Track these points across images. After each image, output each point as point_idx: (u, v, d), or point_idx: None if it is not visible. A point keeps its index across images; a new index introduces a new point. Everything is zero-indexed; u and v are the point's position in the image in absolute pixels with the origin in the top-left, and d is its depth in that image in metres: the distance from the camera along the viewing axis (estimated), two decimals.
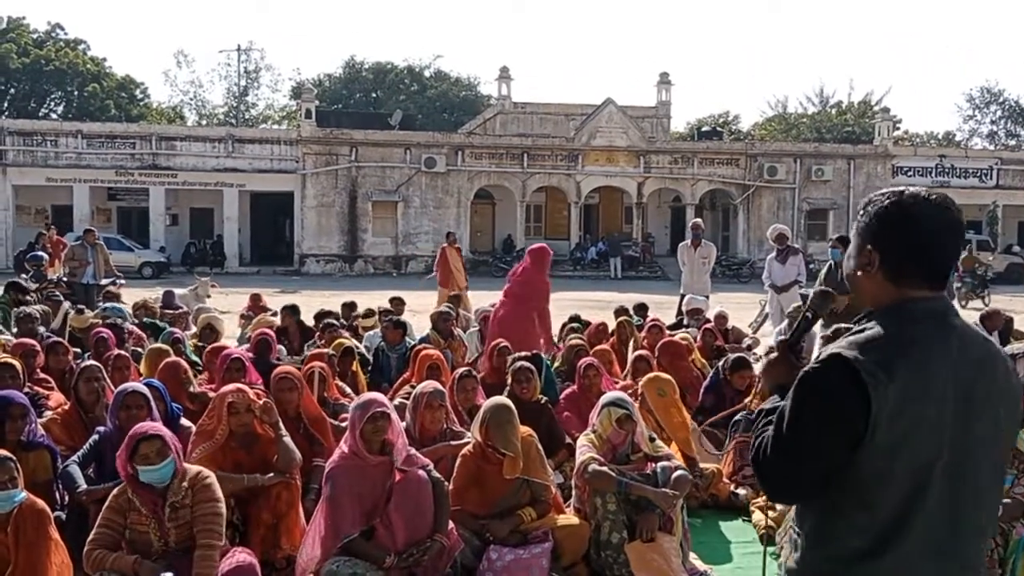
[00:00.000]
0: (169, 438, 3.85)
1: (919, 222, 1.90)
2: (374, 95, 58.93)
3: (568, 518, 4.66)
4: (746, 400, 6.42)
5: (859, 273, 1.97)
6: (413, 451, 4.61)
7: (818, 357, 1.88)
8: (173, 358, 6.32)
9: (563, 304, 15.23)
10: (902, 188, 1.97)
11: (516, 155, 35.85)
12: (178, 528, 3.82)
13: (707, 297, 12.83)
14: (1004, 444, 1.97)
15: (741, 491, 5.73)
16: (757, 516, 5.29)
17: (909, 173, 37.87)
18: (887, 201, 1.94)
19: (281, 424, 4.83)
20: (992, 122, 60.81)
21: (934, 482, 1.82)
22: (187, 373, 6.28)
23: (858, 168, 37.21)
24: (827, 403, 1.82)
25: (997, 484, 1.97)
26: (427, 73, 61.04)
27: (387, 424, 4.48)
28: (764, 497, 5.44)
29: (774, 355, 2.14)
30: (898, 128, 49.35)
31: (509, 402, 4.89)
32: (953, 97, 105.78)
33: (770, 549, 4.40)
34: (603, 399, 5.06)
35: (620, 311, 11.04)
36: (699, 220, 15.17)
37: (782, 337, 2.20)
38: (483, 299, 14.73)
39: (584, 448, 4.81)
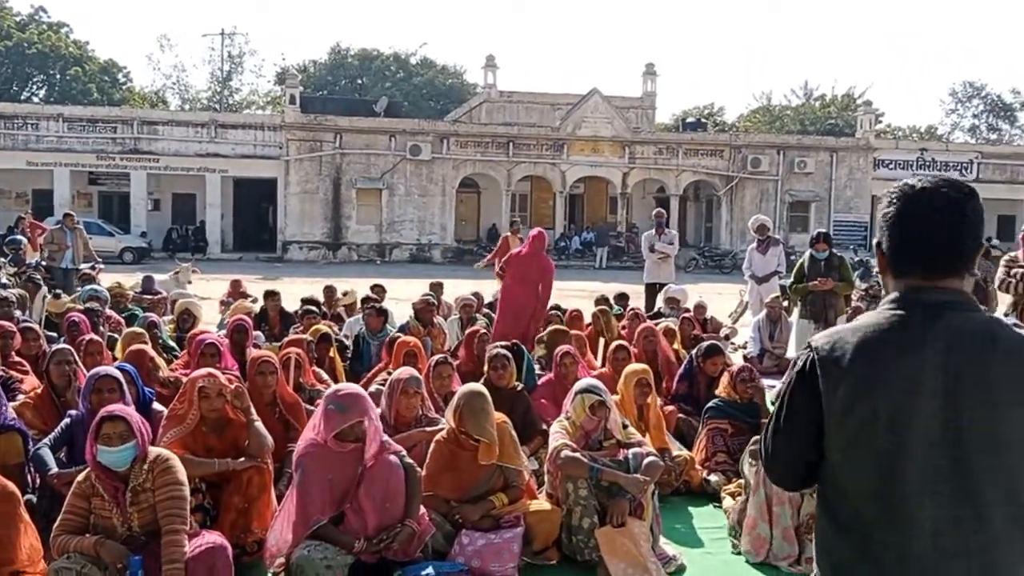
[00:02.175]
0: (135, 422, 3.83)
1: (901, 212, 1.89)
2: (359, 82, 58.70)
3: (540, 503, 4.68)
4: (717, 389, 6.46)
5: (878, 272, 1.99)
6: (385, 437, 4.61)
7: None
8: (138, 346, 6.29)
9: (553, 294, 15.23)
10: (906, 183, 1.94)
11: (502, 144, 35.81)
12: (140, 512, 3.80)
13: (676, 284, 12.85)
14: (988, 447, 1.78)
15: (713, 477, 5.77)
16: (728, 502, 5.33)
17: (890, 166, 38.06)
18: (890, 200, 1.93)
19: (253, 409, 4.82)
20: (974, 116, 61.23)
21: (908, 488, 1.75)
22: (153, 361, 6.25)
23: (840, 161, 37.37)
24: (793, 392, 1.86)
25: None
26: (413, 60, 60.85)
27: (361, 428, 4.42)
28: (735, 484, 5.51)
29: None
30: (880, 121, 49.54)
31: (483, 389, 4.91)
32: (936, 91, 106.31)
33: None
34: (576, 386, 5.08)
35: (600, 301, 11.08)
36: (661, 209, 15.19)
37: None
38: (466, 287, 14.73)
39: (557, 434, 4.83)
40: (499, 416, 4.86)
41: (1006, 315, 8.81)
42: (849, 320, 10.34)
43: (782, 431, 1.88)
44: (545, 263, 9.73)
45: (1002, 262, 8.67)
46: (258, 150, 34.49)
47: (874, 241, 1.97)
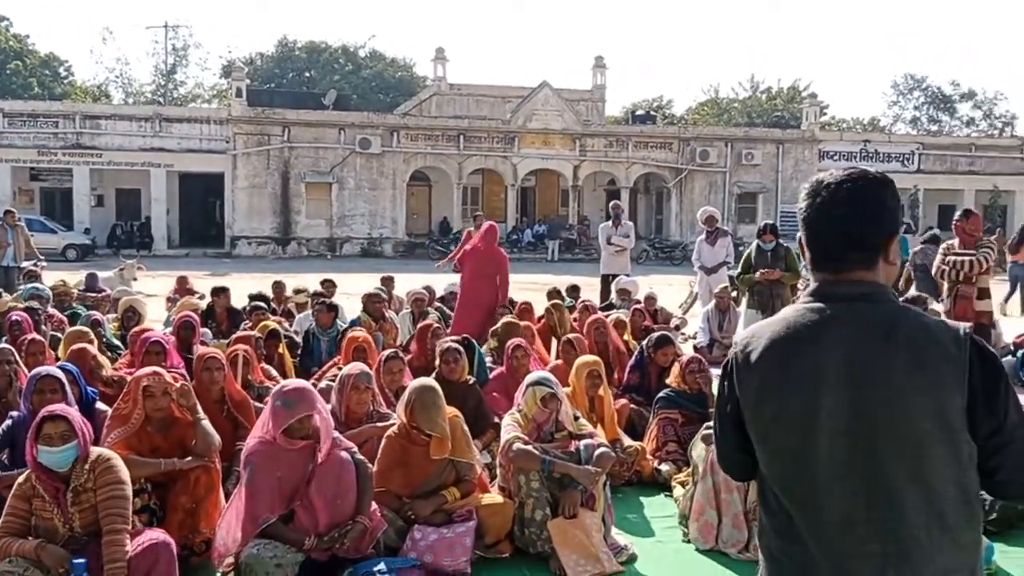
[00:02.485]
0: (76, 421, 3.76)
1: (809, 209, 1.90)
2: (307, 74, 58.08)
3: (492, 496, 4.68)
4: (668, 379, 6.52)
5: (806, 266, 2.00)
6: (336, 433, 4.58)
7: None
8: (80, 345, 6.15)
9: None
10: (828, 175, 1.93)
11: (452, 137, 35.71)
12: (82, 513, 3.73)
13: (629, 275, 12.95)
14: (936, 440, 1.77)
15: (664, 467, 5.81)
16: (678, 491, 5.38)
17: (835, 157, 38.67)
18: (808, 191, 1.93)
19: (199, 408, 4.75)
20: (915, 108, 62.47)
21: (817, 477, 1.78)
22: (96, 359, 6.13)
23: (786, 152, 37.90)
24: (721, 389, 1.95)
25: (936, 479, 1.77)
26: (362, 53, 60.36)
27: (310, 423, 4.38)
28: (686, 473, 5.56)
29: None
30: (825, 114, 50.33)
31: (434, 383, 4.89)
32: (878, 84, 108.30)
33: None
34: (528, 379, 5.09)
35: (552, 293, 11.12)
36: (618, 201, 15.29)
37: None
38: (418, 281, 14.67)
39: (509, 427, 4.84)
40: (451, 410, 4.84)
41: (940, 300, 9.05)
42: None
43: (718, 426, 1.97)
44: (499, 255, 10.04)
45: (940, 250, 8.90)
46: (204, 144, 33.96)
47: (799, 238, 1.97)
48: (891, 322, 1.79)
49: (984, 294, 8.46)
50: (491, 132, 36.16)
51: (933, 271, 8.96)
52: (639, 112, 49.10)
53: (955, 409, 1.75)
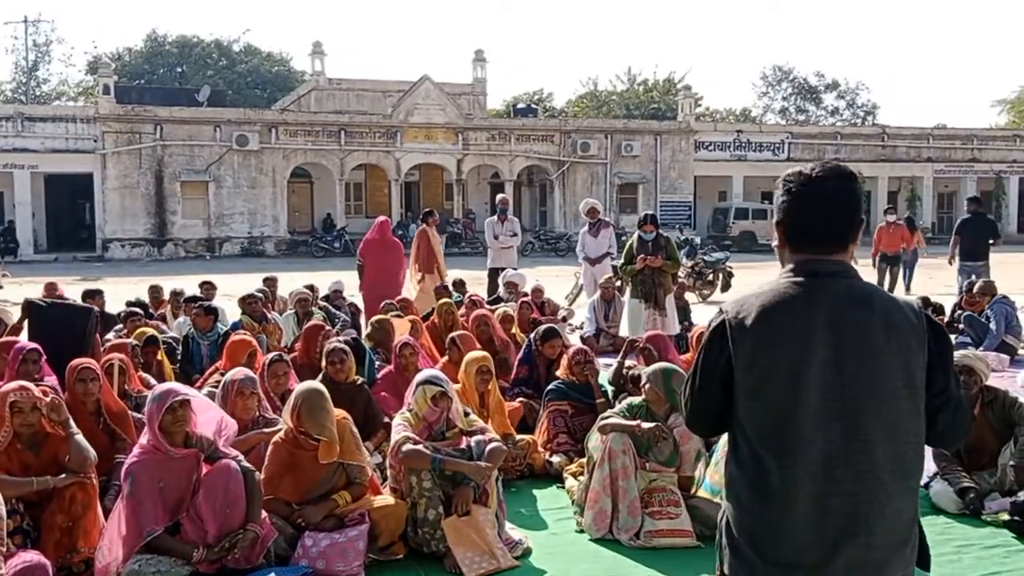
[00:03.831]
0: None
1: (801, 196, 2.13)
2: (179, 70, 56.14)
3: (384, 498, 4.63)
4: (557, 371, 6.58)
5: (776, 246, 2.21)
6: (221, 441, 4.45)
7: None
8: None
9: None
10: (798, 168, 2.19)
11: (333, 132, 35.15)
12: None
13: (516, 269, 13.03)
14: (901, 395, 2.05)
15: (555, 459, 5.86)
16: (570, 482, 5.45)
17: (710, 148, 39.87)
18: (784, 183, 2.18)
19: (72, 422, 4.53)
20: (784, 98, 64.89)
21: (801, 427, 2.00)
22: None
23: (664, 143, 38.82)
24: (706, 351, 2.11)
25: (900, 439, 2.05)
26: (236, 47, 58.73)
27: (187, 414, 4.31)
28: (577, 464, 5.63)
29: None
30: (699, 105, 51.73)
31: (321, 386, 4.80)
32: (749, 75, 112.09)
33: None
34: (418, 377, 5.05)
35: (440, 291, 11.08)
36: (505, 196, 15.37)
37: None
38: (302, 280, 14.38)
39: (399, 427, 4.79)
40: (339, 413, 4.77)
41: None
42: (677, 296, 10.83)
43: (698, 385, 2.12)
44: (396, 244, 11.04)
45: None
46: (71, 144, 32.43)
47: (773, 220, 2.20)
48: (867, 293, 2.10)
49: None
50: (373, 127, 35.77)
51: None
52: (520, 105, 49.45)
53: (919, 368, 2.07)
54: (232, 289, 14.76)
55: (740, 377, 2.03)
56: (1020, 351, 10.32)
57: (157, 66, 56.30)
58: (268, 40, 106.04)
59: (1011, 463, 5.19)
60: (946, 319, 11.19)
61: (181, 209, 33.55)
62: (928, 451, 5.40)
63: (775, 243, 2.21)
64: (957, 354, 5.79)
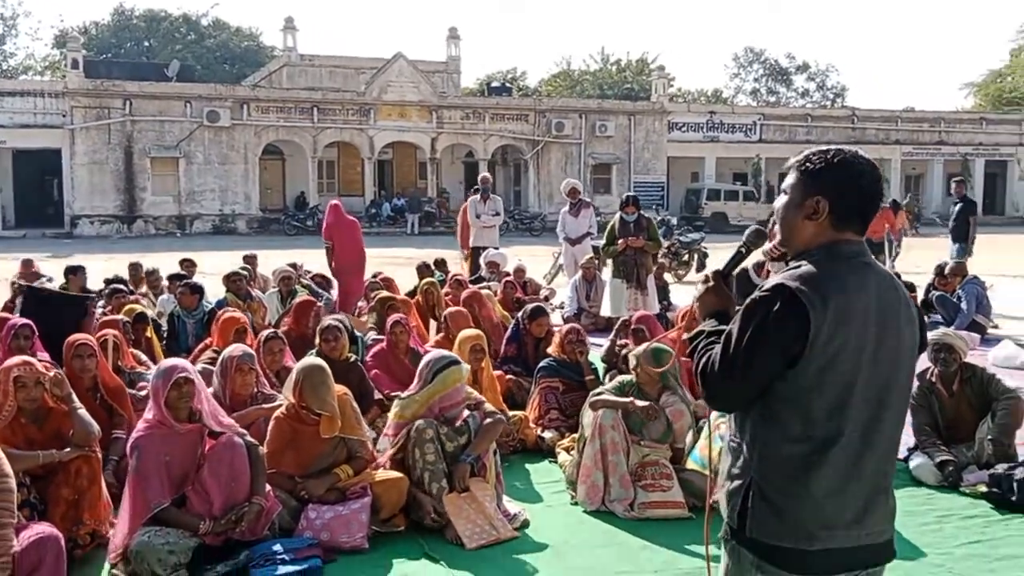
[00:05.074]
0: None
1: (863, 176, 2.21)
2: (147, 44, 55.35)
3: (386, 472, 4.71)
4: (549, 348, 6.69)
5: (804, 220, 2.22)
6: (225, 416, 4.51)
7: (763, 287, 2.15)
8: None
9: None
10: (839, 148, 2.26)
11: (306, 109, 34.90)
12: None
13: (498, 248, 13.10)
14: (911, 367, 2.28)
15: (547, 434, 5.98)
16: (563, 457, 5.56)
17: (683, 128, 40.05)
18: (835, 158, 2.21)
19: (74, 396, 4.57)
20: (755, 80, 65.27)
21: (855, 399, 2.13)
22: None
23: (637, 124, 38.94)
24: (773, 324, 2.09)
25: (905, 405, 2.29)
26: (204, 22, 57.96)
27: (192, 390, 4.37)
28: (569, 439, 5.75)
29: (710, 284, 2.40)
30: (672, 86, 51.90)
31: (322, 362, 4.86)
32: (721, 56, 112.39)
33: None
34: (434, 363, 4.88)
35: (422, 269, 11.14)
36: (487, 175, 15.39)
37: (716, 268, 2.44)
38: (278, 258, 14.38)
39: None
40: (340, 388, 4.84)
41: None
42: (657, 276, 10.98)
43: (754, 357, 2.11)
44: (354, 223, 11.40)
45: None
46: (39, 119, 31.97)
47: (802, 193, 2.22)
48: (890, 275, 2.25)
49: None
50: (346, 104, 35.54)
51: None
52: (494, 84, 49.30)
53: (916, 348, 2.26)
54: (208, 267, 14.74)
55: (817, 351, 2.08)
56: (990, 330, 10.58)
57: (124, 40, 55.46)
58: (237, 15, 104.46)
59: (988, 437, 5.38)
60: (919, 298, 11.45)
61: (151, 186, 33.22)
62: (908, 427, 5.62)
63: (802, 216, 2.21)
64: (936, 333, 5.98)
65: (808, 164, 2.24)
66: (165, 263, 13.17)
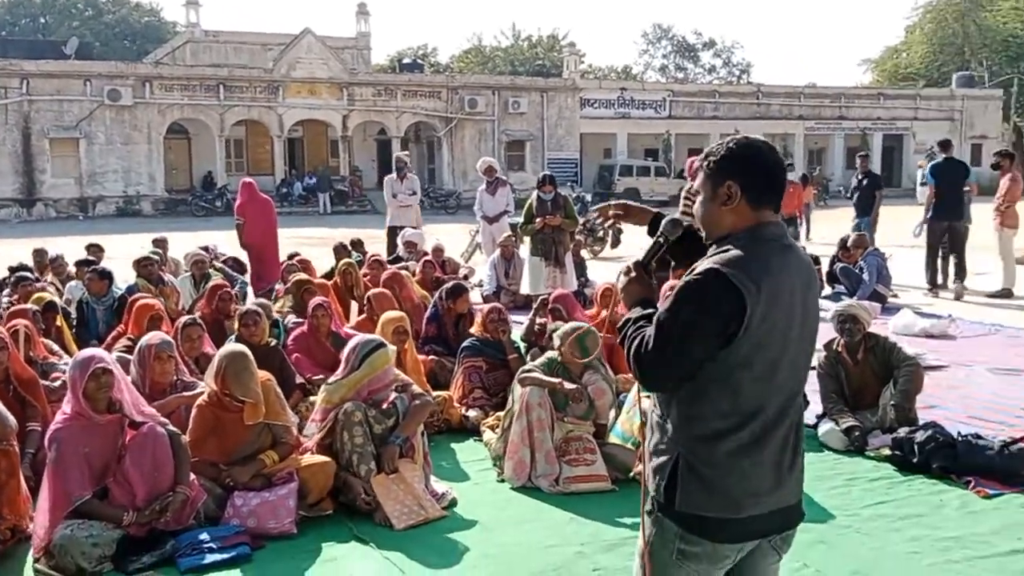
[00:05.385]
0: None
1: (768, 158, 2.31)
2: (43, 21, 53.16)
3: (312, 456, 4.71)
4: (471, 328, 6.75)
5: (721, 208, 2.30)
6: (146, 406, 4.45)
7: (694, 271, 2.22)
8: None
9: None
10: (742, 135, 2.35)
11: (211, 87, 34.02)
12: None
13: (416, 228, 13.07)
14: (813, 340, 2.40)
15: (472, 413, 6.04)
16: (488, 435, 5.64)
17: (595, 105, 40.40)
18: (738, 145, 2.30)
19: None
20: (664, 56, 66.21)
21: (780, 375, 2.25)
22: None
23: (550, 100, 39.11)
24: (709, 307, 2.16)
25: (809, 367, 2.45)
26: None
27: (111, 380, 4.30)
28: (493, 417, 5.84)
29: (632, 275, 2.46)
30: (583, 62, 52.26)
31: (245, 349, 4.82)
32: (630, 33, 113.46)
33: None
34: (360, 347, 4.87)
35: (339, 249, 11.06)
36: (402, 154, 15.31)
37: (637, 259, 2.49)
38: (187, 241, 14.09)
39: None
40: (263, 374, 4.81)
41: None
42: (574, 253, 11.13)
43: (690, 339, 2.18)
44: (267, 201, 11.63)
45: (683, 194, 9.69)
46: None
47: (715, 181, 2.30)
48: (806, 255, 2.36)
49: None
50: (253, 81, 34.78)
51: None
52: (406, 60, 48.82)
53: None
54: (114, 251, 14.32)
55: (751, 332, 2.16)
56: (890, 299, 11.05)
57: (19, 17, 53.07)
58: None
59: (891, 403, 5.66)
60: (824, 270, 11.89)
61: (51, 167, 32.04)
62: (816, 393, 5.86)
63: (719, 204, 2.29)
64: (841, 304, 6.26)
65: (711, 157, 2.33)
66: (70, 248, 12.78)
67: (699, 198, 2.36)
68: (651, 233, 2.62)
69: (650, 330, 2.24)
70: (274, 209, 11.86)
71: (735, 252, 2.22)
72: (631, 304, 2.43)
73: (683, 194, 9.55)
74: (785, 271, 2.24)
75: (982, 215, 12.77)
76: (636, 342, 2.26)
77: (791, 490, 2.34)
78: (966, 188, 12.44)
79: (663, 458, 2.32)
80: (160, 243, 12.01)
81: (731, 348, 2.19)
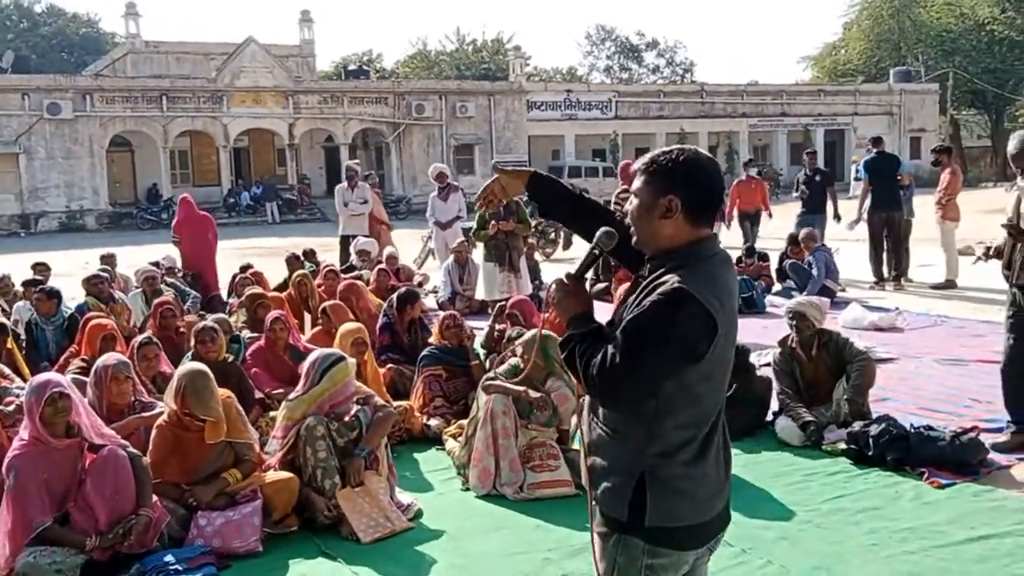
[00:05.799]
0: None
1: (708, 172, 2.26)
2: None
3: (276, 473, 4.69)
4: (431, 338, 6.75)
5: (660, 220, 2.24)
6: (105, 428, 4.39)
7: (662, 291, 2.15)
8: None
9: (227, 253, 14.74)
10: (681, 147, 2.30)
11: (154, 98, 33.52)
12: None
13: (367, 237, 13.00)
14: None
15: (433, 422, 6.04)
16: (450, 444, 5.65)
17: (542, 107, 40.56)
18: (680, 157, 2.24)
19: None
20: (608, 57, 66.67)
21: (725, 382, 2.33)
22: None
23: (497, 104, 39.20)
24: (681, 330, 2.12)
25: None
26: (38, 8, 54.74)
27: (68, 404, 4.24)
28: (455, 426, 5.85)
29: (567, 288, 2.34)
30: (528, 64, 52.42)
31: (204, 367, 4.78)
32: (574, 34, 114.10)
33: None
34: (319, 362, 4.89)
35: (292, 260, 10.98)
36: (352, 162, 15.23)
37: (569, 271, 2.40)
38: (135, 255, 13.84)
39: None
40: (223, 392, 4.78)
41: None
42: (528, 257, 11.17)
43: (660, 358, 2.13)
44: (206, 218, 11.87)
45: (614, 196, 9.80)
46: None
47: (653, 193, 2.25)
48: (732, 262, 2.42)
49: None
50: (197, 92, 34.33)
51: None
52: (351, 67, 48.57)
53: None
54: (59, 268, 14.05)
55: (717, 348, 2.17)
56: (839, 294, 11.28)
57: None
58: (73, 0, 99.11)
59: (844, 397, 5.79)
60: (774, 267, 12.10)
61: None
62: (774, 390, 5.97)
63: (657, 215, 2.24)
64: (793, 302, 6.39)
65: (655, 165, 2.26)
66: (13, 266, 12.50)
67: (635, 201, 2.30)
68: (532, 196, 2.64)
69: (611, 348, 2.16)
70: (213, 225, 11.95)
71: (696, 271, 2.19)
72: (569, 318, 2.32)
73: (615, 195, 9.64)
74: (728, 284, 2.28)
75: (925, 209, 13.09)
76: (597, 360, 2.18)
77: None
78: (899, 178, 12.73)
79: (621, 477, 2.24)
80: (108, 259, 11.79)
81: (699, 365, 2.18)
